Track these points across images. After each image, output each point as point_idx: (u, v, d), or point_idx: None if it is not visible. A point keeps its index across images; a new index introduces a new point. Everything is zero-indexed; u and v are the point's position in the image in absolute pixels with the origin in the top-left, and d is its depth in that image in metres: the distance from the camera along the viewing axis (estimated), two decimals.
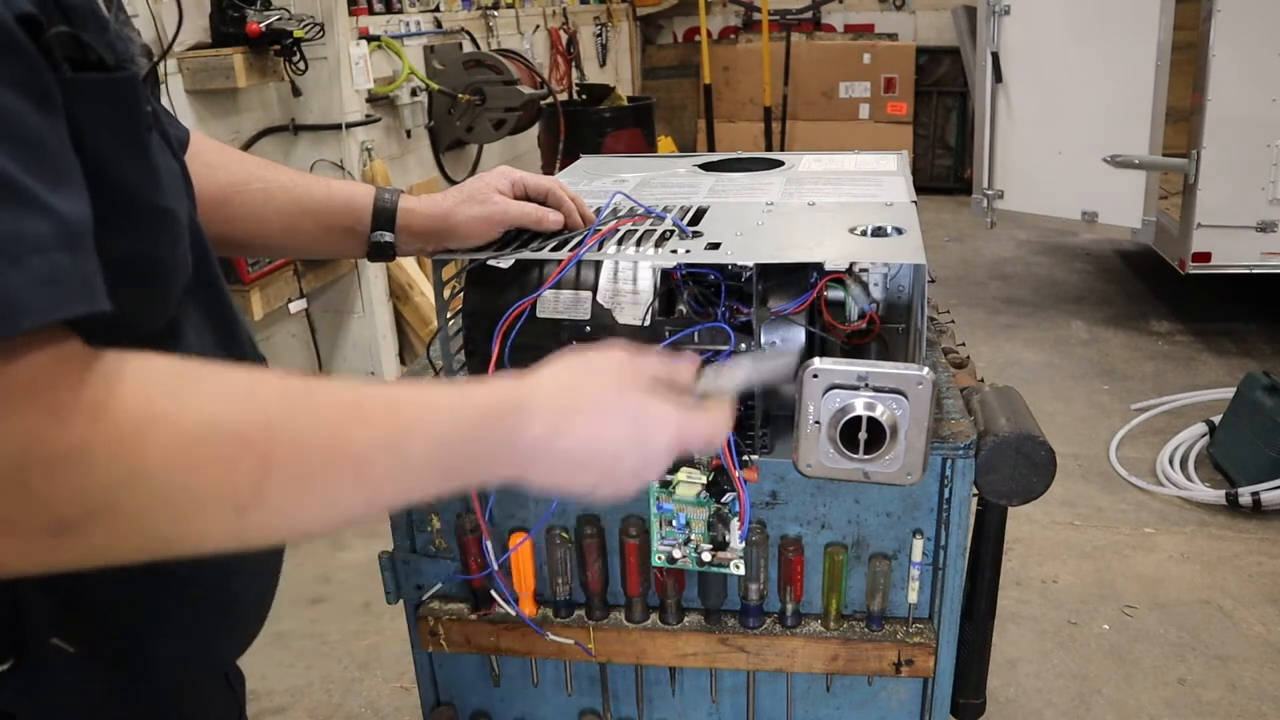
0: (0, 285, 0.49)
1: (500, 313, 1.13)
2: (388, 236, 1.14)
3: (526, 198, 1.22)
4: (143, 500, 0.55)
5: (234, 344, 0.86)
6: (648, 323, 1.11)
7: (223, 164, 1.09)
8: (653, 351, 0.84)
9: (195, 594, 0.78)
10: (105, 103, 0.63)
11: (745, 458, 1.11)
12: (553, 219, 1.20)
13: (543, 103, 4.93)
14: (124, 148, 0.66)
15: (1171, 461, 3.53)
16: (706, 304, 1.11)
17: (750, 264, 1.07)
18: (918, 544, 1.21)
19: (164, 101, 3.15)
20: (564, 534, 1.25)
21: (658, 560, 1.19)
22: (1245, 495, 3.20)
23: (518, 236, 1.22)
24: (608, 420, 0.75)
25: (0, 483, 0.51)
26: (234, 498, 0.58)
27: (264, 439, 0.59)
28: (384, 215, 1.14)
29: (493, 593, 1.27)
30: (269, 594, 0.91)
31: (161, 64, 3.16)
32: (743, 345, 1.08)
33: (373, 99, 4.02)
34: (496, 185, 1.19)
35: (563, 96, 6.15)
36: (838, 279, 1.16)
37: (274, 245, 1.18)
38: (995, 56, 4.84)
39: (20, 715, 0.70)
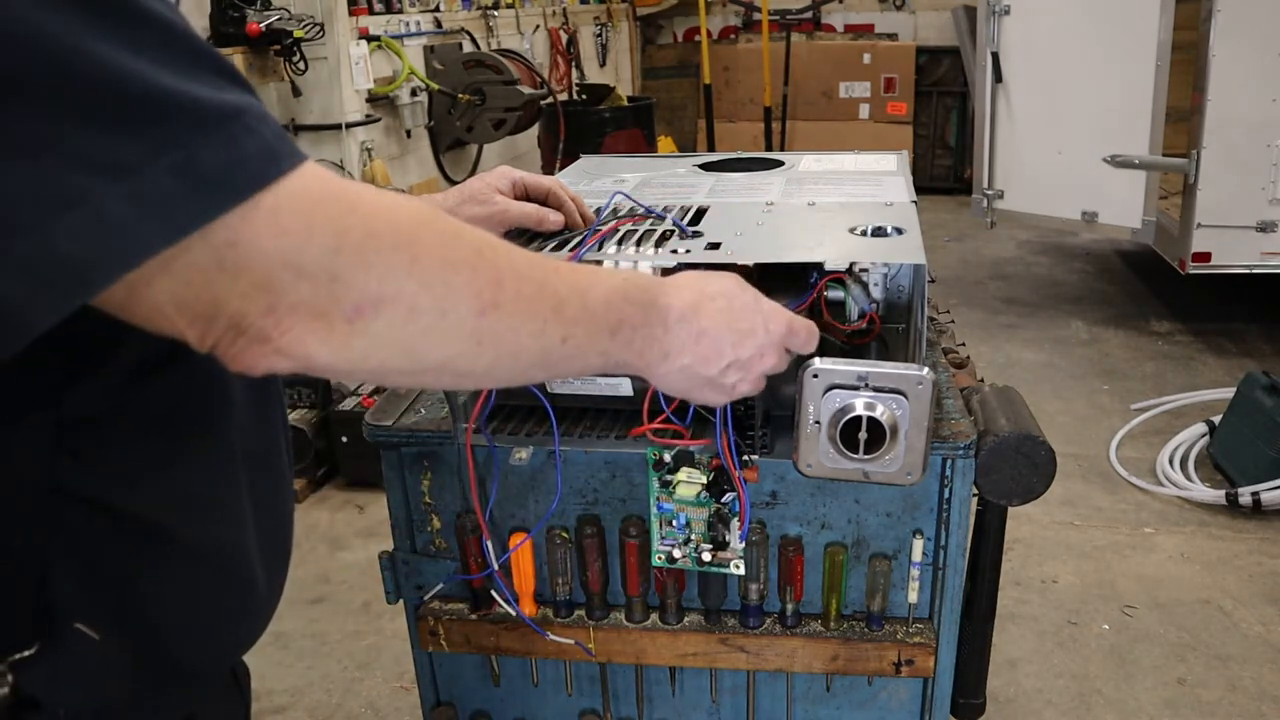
0: (272, 130, 0.59)
1: None
2: None
3: (527, 197, 1.23)
4: (416, 289, 0.64)
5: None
6: None
7: None
8: None
9: (215, 579, 0.79)
10: None
11: (745, 458, 1.11)
12: (553, 219, 1.22)
13: (543, 103, 4.93)
14: None
15: (1171, 461, 3.53)
16: None
17: (750, 264, 1.07)
18: (918, 544, 1.21)
19: None
20: (564, 534, 1.25)
21: (658, 560, 1.19)
22: (1245, 495, 3.20)
23: (519, 237, 1.22)
24: (735, 305, 0.88)
25: (317, 269, 0.59)
26: (477, 300, 0.67)
27: (493, 259, 0.69)
28: None
29: (493, 593, 1.27)
30: (282, 581, 0.91)
31: None
32: None
33: (373, 99, 4.02)
34: (497, 185, 1.21)
35: (563, 96, 6.15)
36: (838, 279, 1.16)
37: None
38: (995, 56, 4.84)
39: (45, 701, 0.70)
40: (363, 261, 0.61)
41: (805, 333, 0.94)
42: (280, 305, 0.59)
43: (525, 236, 1.22)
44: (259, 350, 0.61)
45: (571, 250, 1.14)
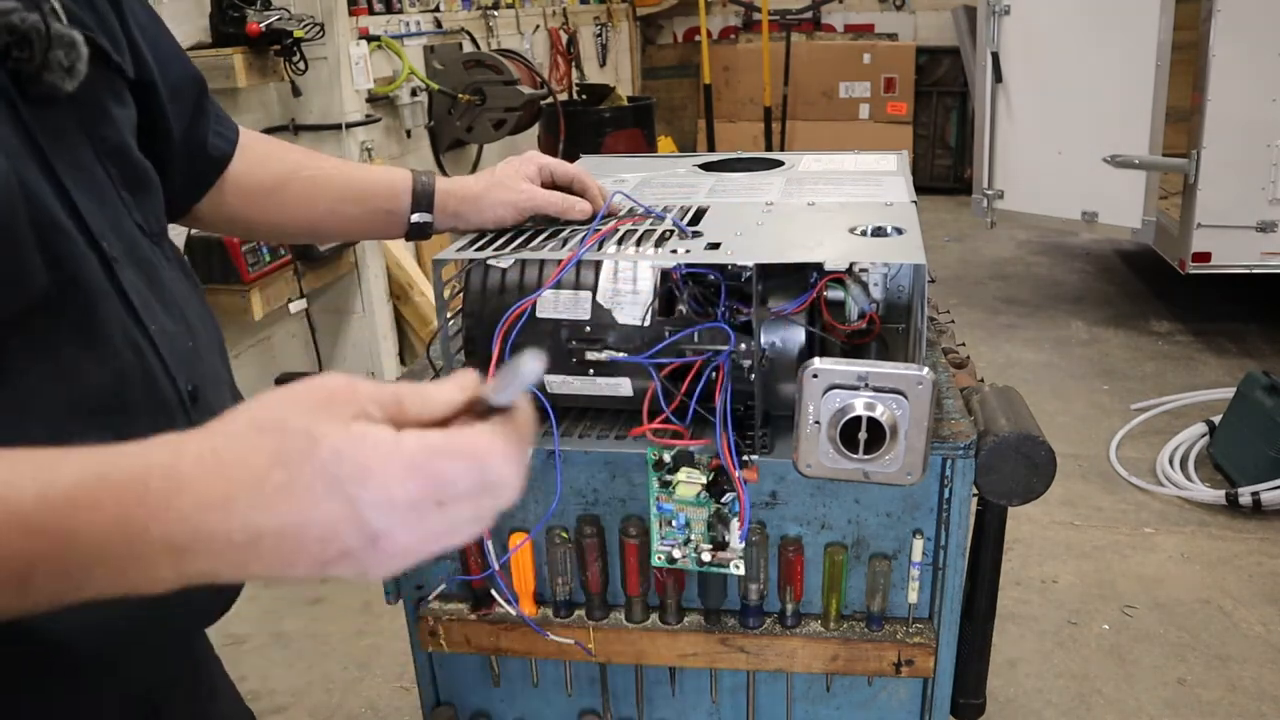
0: None
1: (500, 313, 1.13)
2: (427, 217, 1.20)
3: (553, 184, 1.27)
4: None
5: (112, 373, 0.77)
6: (647, 322, 1.11)
7: (274, 154, 1.14)
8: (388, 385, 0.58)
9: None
10: None
11: (745, 458, 1.11)
12: (580, 207, 1.24)
13: (543, 103, 4.93)
14: None
15: (1171, 461, 3.53)
16: (706, 304, 1.11)
17: (750, 264, 1.07)
18: (918, 544, 1.21)
19: None
20: (564, 534, 1.25)
21: (658, 560, 1.19)
22: (1245, 495, 3.20)
23: (531, 226, 1.23)
24: (299, 484, 0.51)
25: None
26: None
27: None
28: (423, 197, 1.20)
29: (493, 593, 1.27)
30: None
31: None
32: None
33: (373, 99, 4.02)
34: (525, 172, 1.25)
35: (563, 96, 6.15)
36: (838, 279, 1.16)
37: (321, 230, 1.23)
38: (995, 56, 4.84)
39: None
40: None
41: (465, 467, 0.53)
42: None
43: (527, 234, 1.22)
44: None
45: (571, 250, 1.14)
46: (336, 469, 0.51)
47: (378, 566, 0.54)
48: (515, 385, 0.55)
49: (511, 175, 1.24)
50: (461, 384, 0.56)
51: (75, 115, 0.79)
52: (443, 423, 0.55)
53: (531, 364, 0.53)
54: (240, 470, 0.52)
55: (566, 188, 1.27)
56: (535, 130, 5.29)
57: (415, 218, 1.20)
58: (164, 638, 0.86)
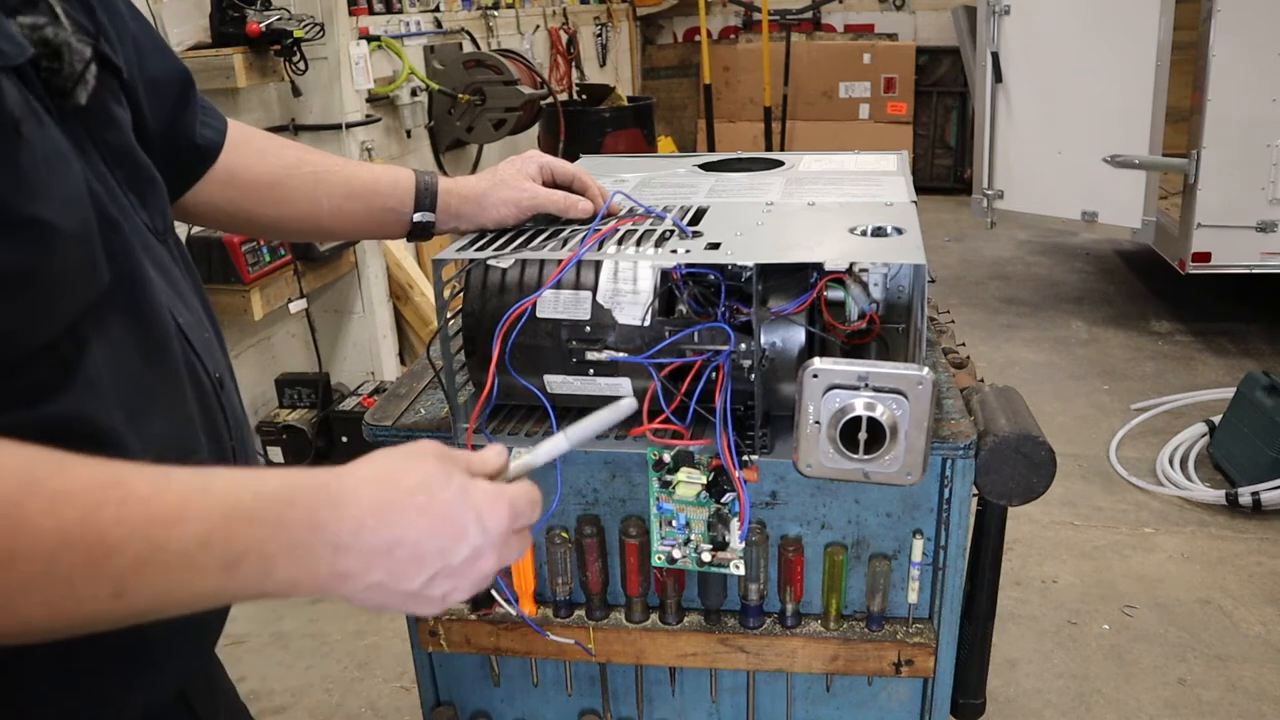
0: None
1: (500, 312, 1.13)
2: (429, 217, 1.20)
3: (554, 182, 1.27)
4: None
5: (163, 355, 0.82)
6: (647, 322, 1.11)
7: (272, 149, 1.13)
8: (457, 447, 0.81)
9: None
10: None
11: (745, 458, 1.11)
12: (582, 205, 1.24)
13: (543, 103, 4.93)
14: None
15: (1171, 461, 3.53)
16: (706, 304, 1.11)
17: (750, 264, 1.07)
18: (918, 544, 1.21)
19: None
20: (564, 534, 1.25)
21: (658, 560, 1.19)
22: (1245, 495, 3.20)
23: (532, 225, 1.23)
24: (439, 501, 0.68)
25: None
26: None
27: (18, 498, 0.55)
28: (425, 197, 1.20)
29: (493, 592, 1.27)
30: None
31: None
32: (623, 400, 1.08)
33: (373, 99, 4.02)
34: (528, 171, 1.25)
35: (563, 96, 6.15)
36: (838, 279, 1.16)
37: (323, 227, 1.21)
38: (995, 56, 4.84)
39: None
40: None
41: (528, 508, 0.76)
42: None
43: (528, 234, 1.22)
44: None
45: (571, 250, 1.14)
46: (462, 498, 0.70)
47: (466, 584, 0.71)
48: (530, 463, 0.81)
49: (514, 174, 1.24)
50: (498, 451, 0.79)
51: (85, 123, 0.81)
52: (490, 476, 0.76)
53: (547, 448, 0.82)
54: (393, 488, 0.68)
55: (567, 186, 1.27)
56: (535, 130, 5.29)
57: (418, 217, 1.19)
58: (203, 632, 0.90)
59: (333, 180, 1.16)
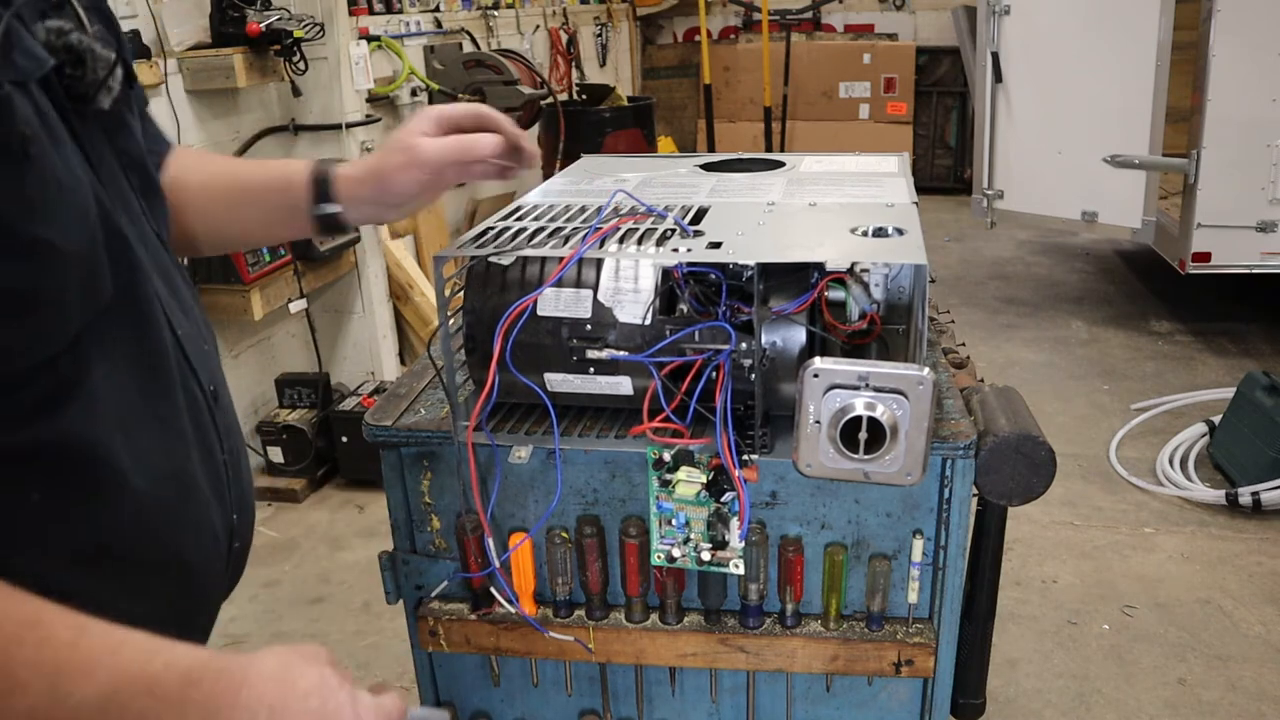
0: None
1: (501, 310, 1.13)
2: (333, 208, 1.09)
3: (459, 131, 1.12)
4: None
5: (159, 371, 0.83)
6: (648, 321, 1.11)
7: (193, 167, 1.09)
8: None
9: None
10: None
11: (745, 458, 1.11)
12: (485, 143, 1.10)
13: (543, 103, 4.93)
14: None
15: (1171, 461, 3.53)
16: (707, 303, 1.11)
17: (752, 263, 1.07)
18: (918, 544, 1.21)
19: (164, 102, 3.15)
20: (564, 534, 1.25)
21: (657, 560, 1.19)
22: (1245, 495, 3.20)
23: (531, 224, 1.23)
24: (329, 708, 0.73)
25: None
26: None
27: None
28: (322, 186, 1.09)
29: (493, 591, 1.27)
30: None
31: (162, 64, 3.16)
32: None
33: (373, 99, 4.02)
34: (420, 129, 1.10)
35: (563, 96, 6.14)
36: (838, 279, 1.16)
37: (226, 236, 1.16)
38: (995, 56, 4.84)
39: None
40: None
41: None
42: None
43: (529, 234, 1.21)
44: None
45: (572, 249, 1.14)
46: (351, 706, 0.73)
47: None
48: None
49: (405, 135, 1.09)
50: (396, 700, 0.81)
51: (104, 129, 0.81)
52: None
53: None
54: (289, 691, 0.71)
55: (474, 129, 1.12)
56: (535, 130, 5.29)
57: (318, 209, 1.09)
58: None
59: (216, 187, 1.10)
